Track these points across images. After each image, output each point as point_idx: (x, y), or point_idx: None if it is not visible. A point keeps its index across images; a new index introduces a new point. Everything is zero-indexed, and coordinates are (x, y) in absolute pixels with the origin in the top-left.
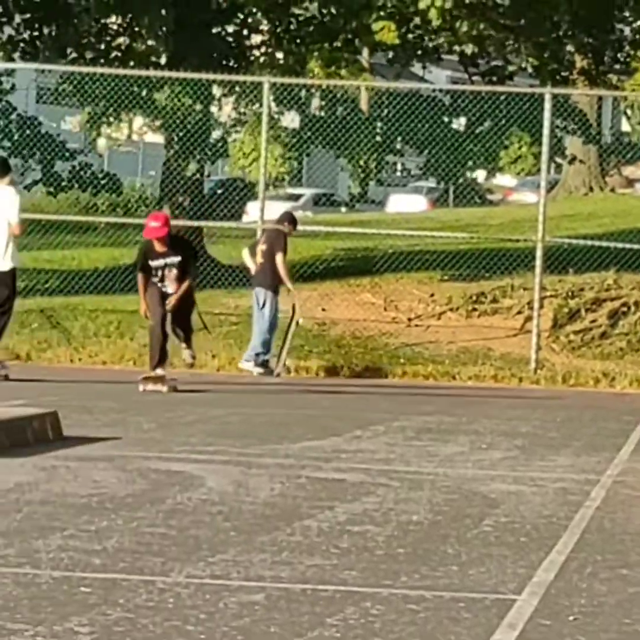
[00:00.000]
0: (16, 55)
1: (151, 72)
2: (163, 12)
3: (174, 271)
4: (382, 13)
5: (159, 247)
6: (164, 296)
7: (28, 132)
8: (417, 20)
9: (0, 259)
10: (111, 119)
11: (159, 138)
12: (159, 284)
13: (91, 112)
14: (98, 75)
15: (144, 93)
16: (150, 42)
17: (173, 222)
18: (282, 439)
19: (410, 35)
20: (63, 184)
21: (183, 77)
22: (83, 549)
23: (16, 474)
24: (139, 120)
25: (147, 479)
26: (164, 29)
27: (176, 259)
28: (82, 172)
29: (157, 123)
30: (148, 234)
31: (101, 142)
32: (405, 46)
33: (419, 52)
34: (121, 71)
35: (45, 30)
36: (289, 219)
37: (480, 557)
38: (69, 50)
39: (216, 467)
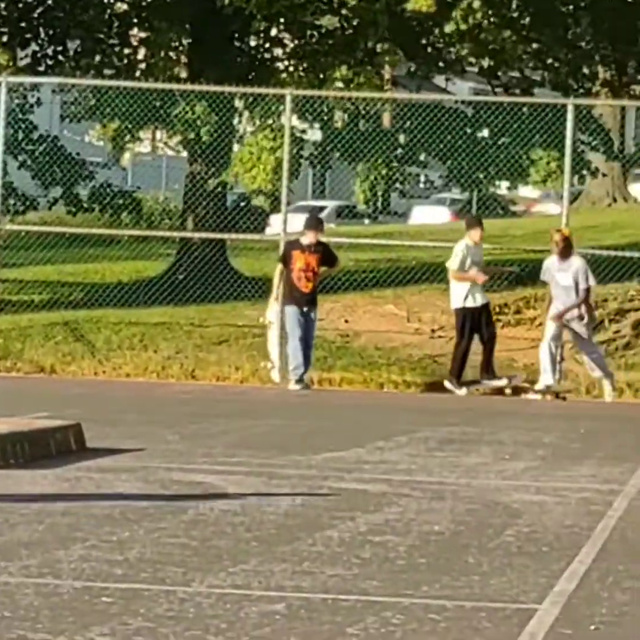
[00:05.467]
0: (40, 69)
1: (173, 86)
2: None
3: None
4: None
5: None
6: None
7: (50, 151)
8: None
9: None
10: (133, 134)
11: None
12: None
13: (115, 127)
14: (121, 89)
15: (165, 107)
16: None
17: (195, 235)
18: (305, 450)
19: (429, 49)
20: (83, 205)
21: (205, 90)
22: (105, 559)
23: (39, 485)
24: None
25: (169, 490)
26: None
27: None
28: (102, 191)
29: (177, 138)
30: None
31: (125, 156)
32: (427, 57)
33: (441, 63)
34: (143, 85)
35: (69, 45)
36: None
37: (502, 567)
38: (90, 63)
39: (238, 477)
